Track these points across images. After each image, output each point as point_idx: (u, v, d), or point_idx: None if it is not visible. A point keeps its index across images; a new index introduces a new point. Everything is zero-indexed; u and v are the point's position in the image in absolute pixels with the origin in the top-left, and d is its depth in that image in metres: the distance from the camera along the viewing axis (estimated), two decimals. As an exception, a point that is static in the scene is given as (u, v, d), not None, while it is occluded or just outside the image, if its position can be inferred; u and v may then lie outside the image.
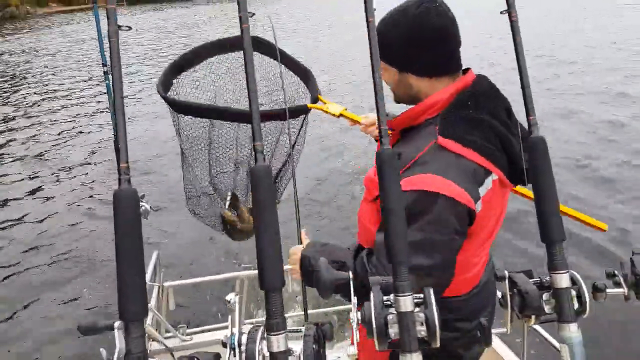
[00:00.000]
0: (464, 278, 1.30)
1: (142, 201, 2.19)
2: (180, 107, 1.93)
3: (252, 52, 0.70)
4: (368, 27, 0.77)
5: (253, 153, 0.70)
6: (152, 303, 2.52)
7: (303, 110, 2.08)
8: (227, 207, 2.25)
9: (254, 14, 0.73)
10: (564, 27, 18.62)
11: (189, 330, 2.68)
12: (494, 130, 1.27)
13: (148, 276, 2.48)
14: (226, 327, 0.74)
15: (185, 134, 2.07)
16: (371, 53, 0.77)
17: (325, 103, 2.00)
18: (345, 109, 1.96)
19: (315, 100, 2.07)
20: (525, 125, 0.91)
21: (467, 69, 1.40)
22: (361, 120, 1.91)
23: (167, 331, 2.55)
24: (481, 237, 1.26)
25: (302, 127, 2.17)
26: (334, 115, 1.98)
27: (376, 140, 1.83)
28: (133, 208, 0.66)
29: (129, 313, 0.62)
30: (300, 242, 1.52)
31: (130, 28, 0.72)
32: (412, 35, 1.32)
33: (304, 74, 2.20)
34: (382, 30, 1.33)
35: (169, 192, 6.55)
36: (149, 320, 2.34)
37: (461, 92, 1.32)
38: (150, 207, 2.31)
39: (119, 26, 0.70)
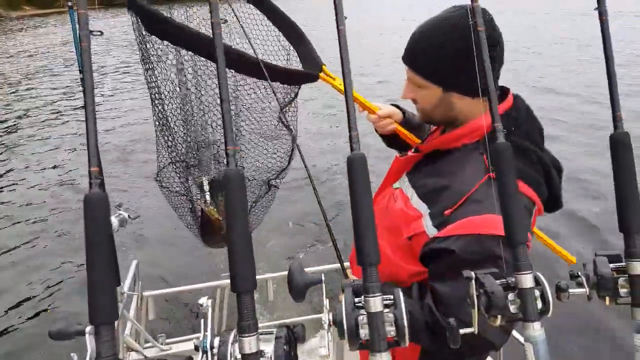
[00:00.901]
0: None
1: (120, 210, 2.17)
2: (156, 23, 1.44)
3: (224, 60, 0.71)
4: (339, 34, 0.78)
5: (225, 157, 0.70)
6: (132, 313, 2.49)
7: (311, 78, 1.69)
8: (207, 197, 1.94)
9: (226, 20, 0.75)
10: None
11: (168, 340, 2.66)
12: (538, 159, 1.24)
13: (127, 285, 2.45)
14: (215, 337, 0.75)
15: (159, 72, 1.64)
16: (342, 59, 0.79)
17: (333, 78, 1.69)
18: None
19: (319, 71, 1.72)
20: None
21: (503, 87, 1.32)
22: (378, 111, 1.66)
23: (147, 341, 2.53)
24: None
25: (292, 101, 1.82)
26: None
27: (381, 136, 1.74)
28: (103, 212, 0.66)
29: (98, 316, 0.62)
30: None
31: (101, 33, 0.72)
32: (464, 48, 1.13)
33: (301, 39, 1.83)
34: (423, 41, 1.24)
35: (149, 201, 6.48)
36: (127, 330, 2.32)
37: (503, 116, 1.23)
38: (129, 216, 2.29)
39: (91, 31, 0.71)
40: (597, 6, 0.85)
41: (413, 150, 1.50)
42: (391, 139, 1.76)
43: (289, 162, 1.97)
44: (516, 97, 1.32)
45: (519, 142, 1.23)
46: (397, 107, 1.74)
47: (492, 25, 1.21)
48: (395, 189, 1.43)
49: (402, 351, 1.20)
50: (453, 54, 1.20)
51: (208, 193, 1.93)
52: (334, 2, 0.76)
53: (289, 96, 1.76)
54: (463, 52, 1.15)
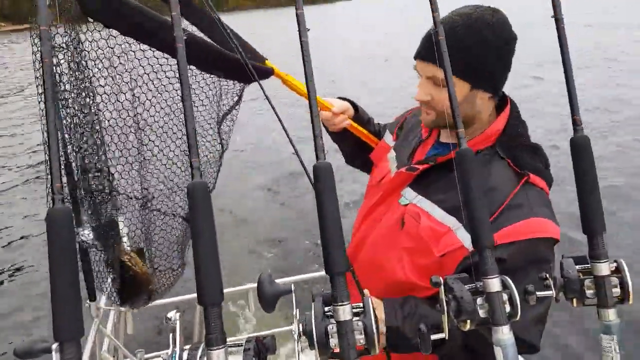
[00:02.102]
0: None
1: None
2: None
3: (186, 68, 0.72)
4: (302, 46, 0.79)
5: (190, 169, 0.71)
6: (109, 328, 2.45)
7: (265, 74, 1.50)
8: (126, 243, 1.54)
9: (189, 32, 0.75)
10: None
11: (147, 355, 2.62)
12: (543, 154, 1.27)
13: (104, 299, 2.41)
14: (184, 350, 0.74)
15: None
16: (306, 73, 0.80)
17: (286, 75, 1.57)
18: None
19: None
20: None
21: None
22: (333, 108, 1.59)
23: (125, 357, 2.48)
24: None
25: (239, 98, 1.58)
26: (298, 91, 1.56)
27: (329, 132, 1.66)
28: (67, 227, 0.66)
29: (62, 333, 0.62)
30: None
31: (64, 48, 0.72)
32: (499, 42, 1.18)
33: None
34: (454, 34, 1.16)
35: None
36: (105, 346, 2.28)
37: (509, 118, 1.27)
38: None
39: (53, 47, 0.71)
40: (554, 14, 0.88)
41: (406, 167, 1.36)
42: (354, 153, 1.75)
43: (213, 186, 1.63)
44: (511, 100, 1.33)
45: (531, 143, 1.25)
46: (347, 100, 1.68)
47: (508, 26, 1.20)
48: (404, 206, 1.32)
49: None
50: (488, 51, 1.18)
51: (126, 236, 1.54)
52: (296, 16, 0.77)
53: (231, 100, 1.55)
54: (493, 47, 1.17)
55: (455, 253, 1.18)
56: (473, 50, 1.17)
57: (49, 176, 0.65)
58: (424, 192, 1.29)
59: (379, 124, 1.81)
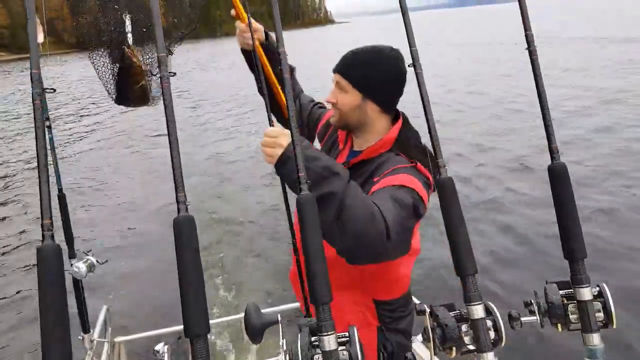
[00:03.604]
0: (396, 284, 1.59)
1: (88, 255, 2.14)
2: None
3: (172, 106, 0.74)
4: (284, 82, 0.83)
5: (176, 204, 0.73)
6: (103, 359, 2.43)
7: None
8: (129, 38, 1.71)
9: (174, 73, 0.78)
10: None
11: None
12: (426, 151, 1.54)
13: (97, 332, 2.40)
14: None
15: None
16: (288, 104, 0.83)
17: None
18: None
19: None
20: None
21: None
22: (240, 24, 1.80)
23: None
24: (413, 247, 1.44)
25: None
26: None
27: (243, 51, 1.87)
28: (56, 263, 0.67)
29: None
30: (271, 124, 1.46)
31: (54, 90, 0.75)
32: (390, 70, 1.54)
33: None
34: (358, 56, 1.55)
35: (118, 245, 6.39)
36: None
37: (402, 128, 1.59)
38: (98, 261, 2.26)
39: (44, 89, 0.74)
40: (527, 46, 0.91)
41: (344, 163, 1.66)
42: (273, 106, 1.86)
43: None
44: (403, 114, 1.65)
45: (416, 143, 1.58)
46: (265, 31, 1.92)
47: (401, 61, 1.54)
48: None
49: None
50: (379, 73, 1.52)
51: (130, 34, 1.70)
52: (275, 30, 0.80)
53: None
54: (387, 75, 1.53)
55: None
56: (367, 69, 1.52)
57: (40, 212, 0.67)
58: None
59: (316, 103, 2.05)
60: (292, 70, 1.94)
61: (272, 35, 1.88)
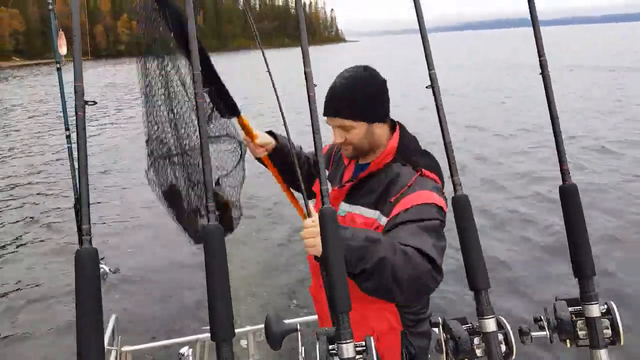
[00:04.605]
0: None
1: (101, 263, 2.18)
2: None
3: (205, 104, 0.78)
4: (310, 100, 0.87)
5: (205, 212, 0.76)
6: None
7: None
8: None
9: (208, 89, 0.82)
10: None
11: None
12: (432, 157, 1.67)
13: (106, 341, 2.42)
14: None
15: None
16: (313, 122, 0.87)
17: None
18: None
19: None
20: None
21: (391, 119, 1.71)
22: (256, 140, 1.92)
23: None
24: None
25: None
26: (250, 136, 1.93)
27: (259, 161, 2.01)
28: (93, 268, 0.71)
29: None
30: (309, 215, 1.47)
31: (95, 103, 0.80)
32: (374, 89, 1.62)
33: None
34: (345, 93, 1.60)
35: (129, 254, 6.43)
36: None
37: (400, 137, 1.68)
38: (110, 269, 2.30)
39: (86, 102, 0.78)
40: (540, 70, 0.95)
41: (338, 186, 1.76)
42: (285, 178, 2.07)
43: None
44: (398, 122, 1.73)
45: (416, 147, 1.69)
46: (272, 134, 2.03)
47: (376, 74, 1.65)
48: (343, 216, 1.69)
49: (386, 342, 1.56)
50: (368, 96, 1.60)
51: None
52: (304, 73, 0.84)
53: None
54: (373, 94, 1.61)
55: (379, 228, 1.57)
56: (361, 99, 1.59)
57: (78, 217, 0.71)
58: (353, 201, 1.69)
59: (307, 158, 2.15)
60: (297, 153, 2.04)
61: (281, 134, 2.01)
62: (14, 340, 4.71)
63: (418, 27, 0.94)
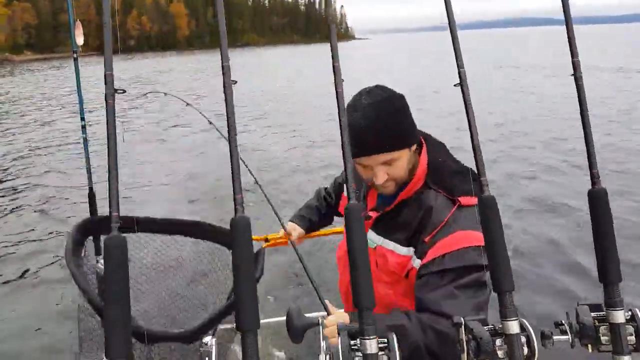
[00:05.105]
0: None
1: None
2: None
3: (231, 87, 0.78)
4: (340, 124, 0.87)
5: (233, 205, 0.76)
6: None
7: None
8: None
9: (236, 81, 0.83)
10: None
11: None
12: (467, 174, 1.49)
13: None
14: None
15: None
16: (340, 118, 0.87)
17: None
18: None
19: None
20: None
21: None
22: (292, 238, 2.11)
23: None
24: None
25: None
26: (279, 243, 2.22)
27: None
28: (121, 254, 0.71)
29: (114, 351, 0.66)
30: (328, 312, 1.38)
31: (124, 91, 0.80)
32: (403, 107, 1.46)
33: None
34: (379, 123, 1.39)
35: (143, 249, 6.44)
36: None
37: (428, 154, 1.52)
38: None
39: (116, 90, 0.79)
40: (573, 72, 0.94)
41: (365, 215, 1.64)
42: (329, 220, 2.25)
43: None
44: (421, 132, 1.56)
45: (454, 167, 1.50)
46: (296, 219, 2.18)
47: (395, 93, 1.48)
48: (373, 249, 1.58)
49: None
50: (402, 118, 1.44)
51: None
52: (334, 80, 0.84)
53: None
54: (405, 114, 1.44)
55: (412, 271, 1.47)
56: (397, 125, 1.42)
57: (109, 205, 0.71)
58: (384, 234, 1.56)
59: (326, 192, 2.23)
60: (318, 211, 2.20)
61: (302, 213, 2.21)
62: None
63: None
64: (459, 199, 1.42)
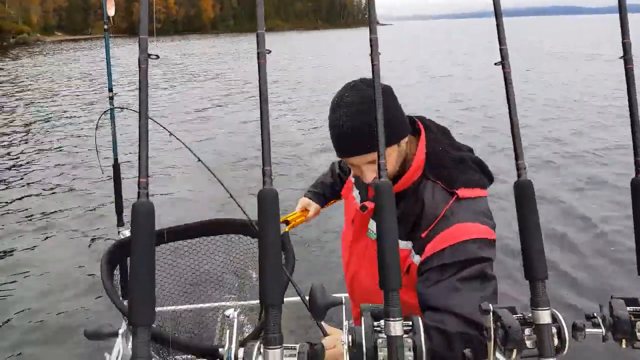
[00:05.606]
0: None
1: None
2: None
3: (266, 82, 0.76)
4: (373, 69, 0.84)
5: (262, 177, 0.75)
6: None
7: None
8: None
9: (270, 51, 0.81)
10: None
11: (177, 357, 2.65)
12: (471, 160, 1.46)
13: None
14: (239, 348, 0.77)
15: None
16: (375, 92, 0.84)
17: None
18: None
19: None
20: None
21: (410, 117, 1.50)
22: (308, 215, 2.18)
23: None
24: None
25: None
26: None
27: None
28: (149, 220, 0.71)
29: (138, 318, 0.66)
30: (324, 333, 1.36)
31: (158, 57, 0.79)
32: (389, 101, 1.38)
33: None
34: (364, 124, 1.31)
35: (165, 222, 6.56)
36: None
37: (427, 144, 1.46)
38: None
39: (149, 55, 0.77)
40: (623, 54, 0.89)
41: (360, 206, 1.61)
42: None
43: None
44: (422, 119, 1.51)
45: (455, 156, 1.44)
46: (311, 196, 2.19)
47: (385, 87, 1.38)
48: (374, 240, 1.52)
49: None
50: (388, 113, 1.34)
51: None
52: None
53: None
54: (392, 107, 1.38)
55: (413, 266, 1.43)
56: (388, 119, 1.31)
57: (138, 171, 0.71)
58: None
59: (340, 168, 2.19)
60: (330, 185, 2.20)
61: (315, 189, 2.23)
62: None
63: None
64: (458, 191, 1.36)
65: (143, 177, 0.71)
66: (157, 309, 2.40)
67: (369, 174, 1.41)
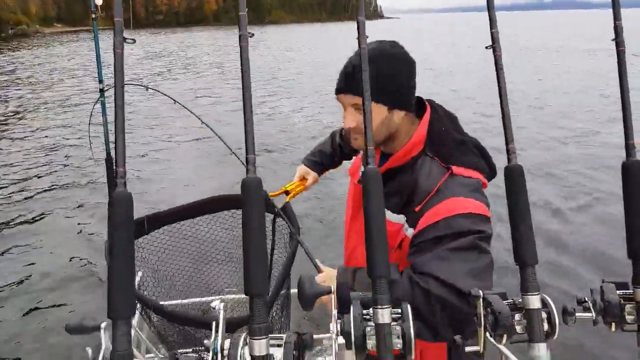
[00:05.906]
0: None
1: None
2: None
3: (249, 73, 0.74)
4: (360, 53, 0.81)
5: (245, 165, 0.73)
6: (134, 322, 2.48)
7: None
8: None
9: (253, 34, 0.78)
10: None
11: (181, 350, 2.64)
12: (472, 145, 1.46)
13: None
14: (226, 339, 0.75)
15: None
16: (364, 104, 0.82)
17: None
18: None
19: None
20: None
21: (418, 98, 1.50)
22: (307, 184, 2.16)
23: (148, 351, 2.51)
24: None
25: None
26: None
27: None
28: (127, 210, 0.68)
29: (117, 311, 0.64)
30: (319, 271, 1.48)
31: (134, 41, 0.76)
32: (400, 68, 1.39)
33: None
34: (372, 69, 1.30)
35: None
36: (145, 333, 2.32)
37: (430, 122, 1.46)
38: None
39: (125, 38, 0.74)
40: (614, 37, 0.88)
41: (358, 180, 1.62)
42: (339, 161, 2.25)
43: None
44: (430, 102, 1.50)
45: (457, 138, 1.44)
46: (309, 164, 2.19)
47: (405, 54, 1.42)
48: None
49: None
50: (391, 74, 1.36)
51: None
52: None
53: None
54: (397, 73, 1.37)
55: (405, 242, 1.43)
56: (382, 77, 1.34)
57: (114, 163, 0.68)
58: None
59: (341, 138, 2.18)
60: (329, 154, 2.20)
61: (313, 155, 2.23)
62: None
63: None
64: (453, 167, 1.37)
65: (120, 166, 0.69)
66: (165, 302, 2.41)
67: (349, 118, 1.43)
